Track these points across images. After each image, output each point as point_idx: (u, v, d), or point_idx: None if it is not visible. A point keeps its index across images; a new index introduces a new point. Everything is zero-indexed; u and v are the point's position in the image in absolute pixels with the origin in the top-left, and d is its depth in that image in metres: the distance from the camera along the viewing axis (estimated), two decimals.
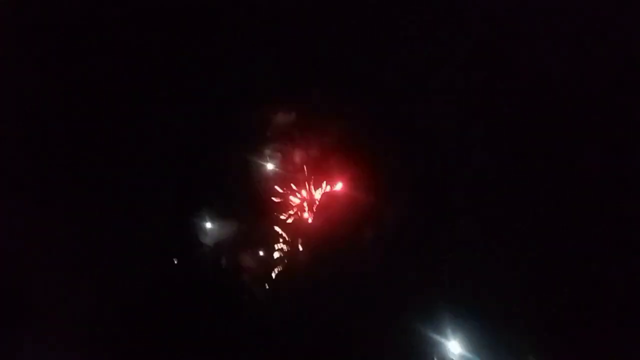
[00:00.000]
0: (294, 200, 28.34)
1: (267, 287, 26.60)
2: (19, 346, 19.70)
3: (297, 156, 27.92)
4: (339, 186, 28.00)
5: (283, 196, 28.25)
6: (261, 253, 27.23)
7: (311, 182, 28.28)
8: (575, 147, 23.49)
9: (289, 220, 28.11)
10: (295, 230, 28.00)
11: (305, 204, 28.33)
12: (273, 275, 27.37)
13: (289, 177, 28.04)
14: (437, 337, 22.22)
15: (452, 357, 22.13)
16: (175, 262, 24.70)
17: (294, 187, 28.19)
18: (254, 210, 27.59)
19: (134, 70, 25.31)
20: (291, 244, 27.78)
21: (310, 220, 28.18)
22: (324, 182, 28.23)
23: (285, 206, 28.24)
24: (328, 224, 27.52)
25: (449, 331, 22.24)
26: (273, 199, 28.10)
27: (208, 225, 26.17)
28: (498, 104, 24.81)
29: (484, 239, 25.12)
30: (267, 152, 27.54)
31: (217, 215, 26.42)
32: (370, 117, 26.24)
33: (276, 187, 28.09)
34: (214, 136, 26.89)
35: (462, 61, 25.60)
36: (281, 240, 27.77)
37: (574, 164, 23.41)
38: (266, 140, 27.24)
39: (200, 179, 26.84)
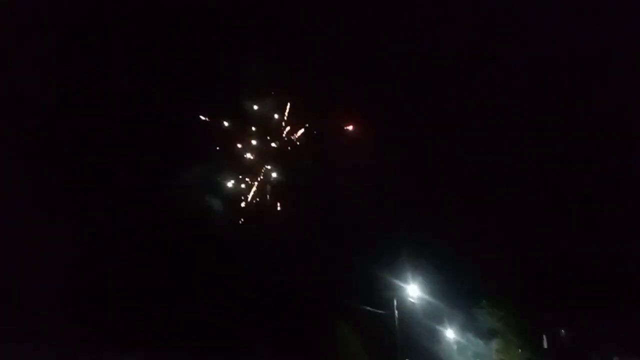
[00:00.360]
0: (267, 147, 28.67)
1: (237, 230, 27.17)
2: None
3: (273, 102, 28.07)
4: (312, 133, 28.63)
5: (257, 143, 28.55)
6: (232, 198, 27.59)
7: (285, 129, 28.60)
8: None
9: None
10: (266, 176, 28.47)
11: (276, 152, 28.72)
12: (241, 221, 27.95)
13: (264, 124, 28.19)
14: (398, 282, 23.31)
15: (410, 299, 23.50)
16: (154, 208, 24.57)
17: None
18: (225, 156, 27.80)
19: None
20: (261, 191, 28.26)
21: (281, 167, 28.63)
22: (300, 130, 28.63)
23: (257, 154, 28.59)
24: (298, 172, 28.19)
25: (409, 276, 23.35)
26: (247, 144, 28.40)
27: (182, 172, 25.95)
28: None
29: (441, 192, 26.73)
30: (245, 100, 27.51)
31: (191, 163, 26.25)
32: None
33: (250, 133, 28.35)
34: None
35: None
36: (252, 186, 28.19)
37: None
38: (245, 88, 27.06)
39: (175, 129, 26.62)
